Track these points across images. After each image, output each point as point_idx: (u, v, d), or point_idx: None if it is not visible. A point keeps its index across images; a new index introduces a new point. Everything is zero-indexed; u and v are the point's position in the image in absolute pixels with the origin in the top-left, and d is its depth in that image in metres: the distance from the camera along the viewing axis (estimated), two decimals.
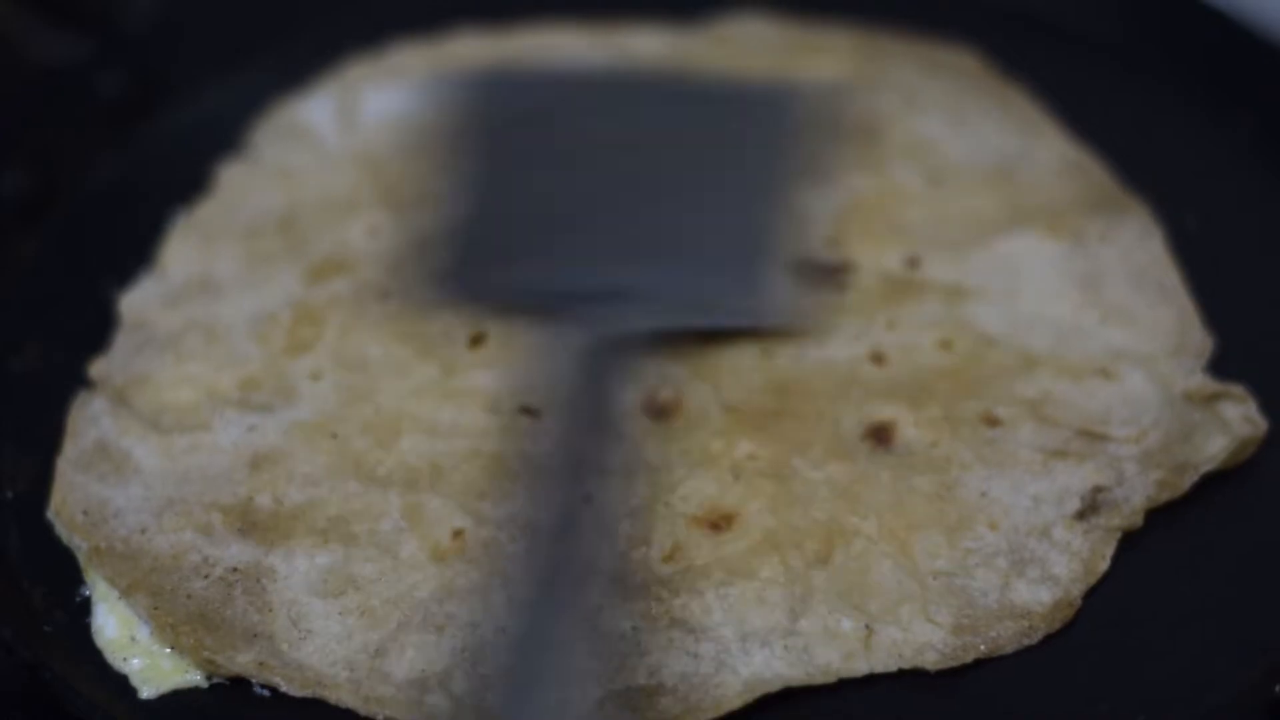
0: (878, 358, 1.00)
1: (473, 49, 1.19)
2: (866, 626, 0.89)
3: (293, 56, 1.18)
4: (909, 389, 0.98)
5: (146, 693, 0.89)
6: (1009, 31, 1.19)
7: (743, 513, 0.93)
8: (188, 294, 1.05)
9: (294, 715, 0.88)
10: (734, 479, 0.94)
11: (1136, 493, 0.94)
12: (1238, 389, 0.97)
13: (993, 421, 0.96)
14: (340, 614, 0.90)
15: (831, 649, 0.88)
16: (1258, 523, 0.94)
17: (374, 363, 1.00)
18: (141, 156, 1.15)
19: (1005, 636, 0.89)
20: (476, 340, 1.01)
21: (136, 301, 1.05)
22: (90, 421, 0.99)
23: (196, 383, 1.00)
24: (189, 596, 0.91)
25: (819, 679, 0.87)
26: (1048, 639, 0.89)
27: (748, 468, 0.95)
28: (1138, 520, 0.93)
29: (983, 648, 0.88)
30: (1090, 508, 0.93)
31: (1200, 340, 1.00)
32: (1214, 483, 0.95)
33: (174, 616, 0.90)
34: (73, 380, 1.01)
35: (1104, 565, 0.92)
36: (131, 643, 0.90)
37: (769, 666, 0.87)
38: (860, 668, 0.88)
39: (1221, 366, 0.99)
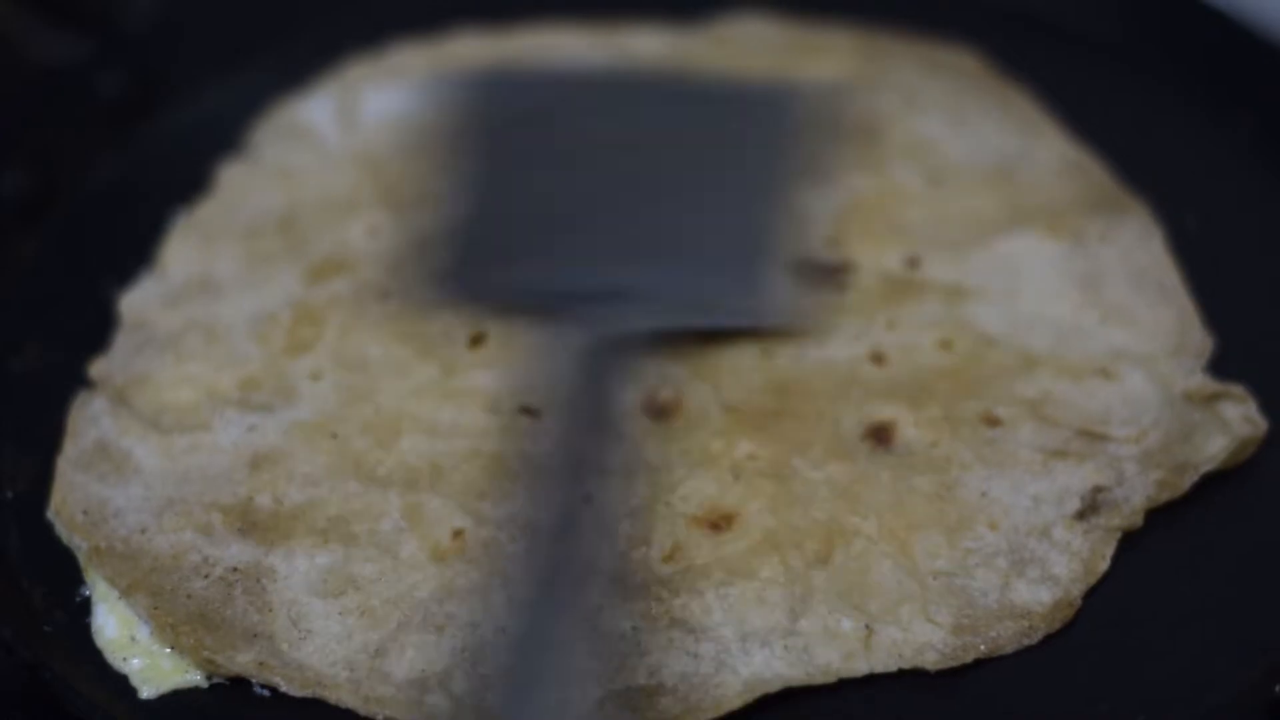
0: (878, 358, 1.00)
1: (473, 49, 1.19)
2: (866, 626, 0.89)
3: (293, 56, 1.18)
4: (909, 389, 0.98)
5: (146, 693, 0.89)
6: (1009, 31, 1.19)
7: (743, 513, 0.93)
8: (188, 294, 1.05)
9: (294, 715, 0.88)
10: (734, 479, 0.94)
11: (1136, 493, 0.94)
12: (1238, 389, 0.97)
13: (993, 421, 0.96)
14: (340, 614, 0.90)
15: (831, 649, 0.88)
16: (1258, 523, 0.94)
17: (374, 363, 1.00)
18: (141, 156, 1.15)
19: (1005, 636, 0.89)
20: (476, 340, 1.01)
21: (136, 301, 1.05)
22: (90, 421, 0.99)
23: (196, 383, 1.00)
24: (189, 596, 0.91)
25: (819, 679, 0.87)
26: (1048, 639, 0.89)
27: (748, 468, 0.95)
28: (1138, 520, 0.93)
29: (983, 648, 0.88)
30: (1090, 508, 0.93)
31: (1200, 340, 1.00)
32: (1214, 483, 0.95)
33: (174, 616, 0.90)
34: (73, 380, 1.01)
35: (1104, 565, 0.92)
36: (131, 643, 0.90)
37: (769, 666, 0.87)
38: (860, 668, 0.88)
39: (1221, 366, 0.99)
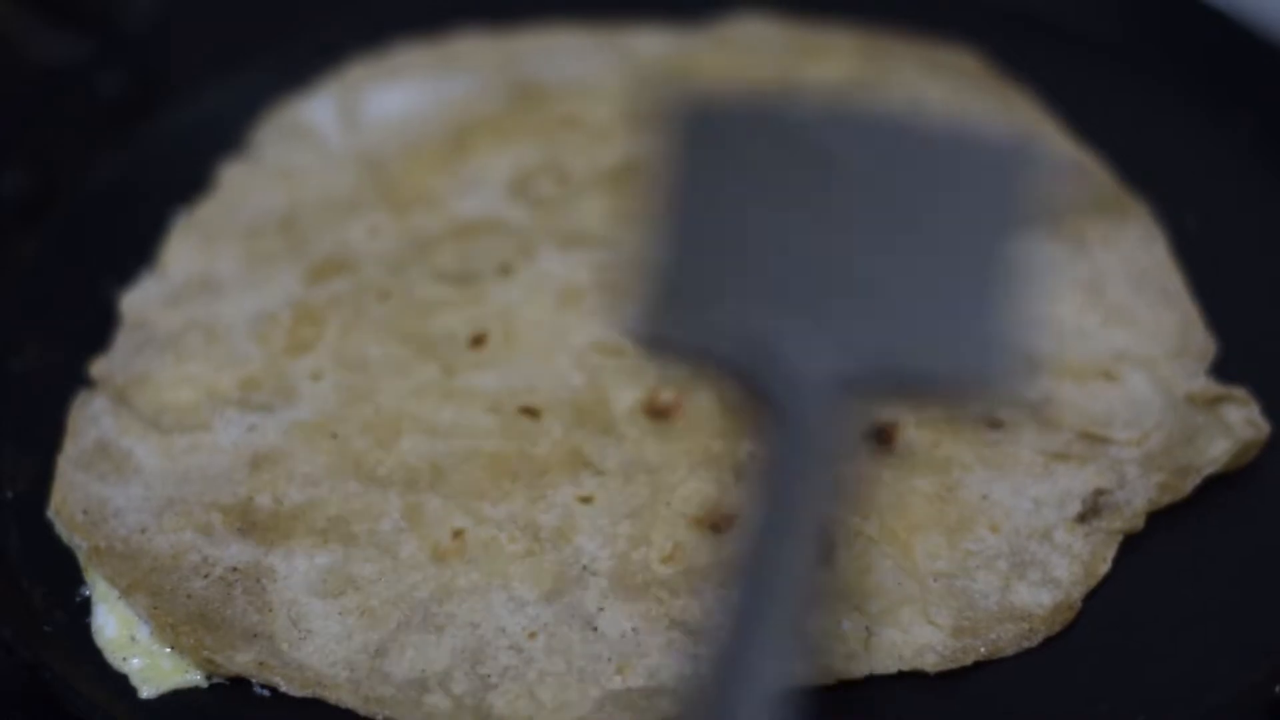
0: None
1: (474, 49, 1.18)
2: (866, 628, 0.88)
3: (293, 56, 1.18)
4: None
5: (146, 692, 0.89)
6: (1009, 31, 1.19)
7: (744, 514, 0.92)
8: (188, 294, 1.05)
9: (294, 715, 0.87)
10: (735, 480, 0.94)
11: (1138, 495, 0.94)
12: (1240, 392, 0.97)
13: (994, 424, 0.96)
14: (340, 614, 0.90)
15: (831, 650, 0.88)
16: (1260, 526, 0.94)
17: (374, 363, 1.00)
18: (141, 156, 1.15)
19: (1005, 638, 0.89)
20: (477, 340, 1.01)
21: (137, 301, 1.05)
22: (90, 421, 0.99)
23: (197, 382, 1.00)
24: (189, 596, 0.91)
25: (818, 680, 0.87)
26: (1048, 641, 0.89)
27: (749, 469, 0.94)
28: (1139, 523, 0.93)
29: (983, 650, 0.88)
30: (1091, 510, 0.93)
31: (1203, 343, 1.00)
32: (1216, 485, 0.94)
33: (174, 616, 0.90)
34: (73, 380, 1.00)
35: (1105, 568, 0.91)
36: (131, 642, 0.90)
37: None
38: (860, 669, 0.88)
39: (1224, 369, 0.99)
